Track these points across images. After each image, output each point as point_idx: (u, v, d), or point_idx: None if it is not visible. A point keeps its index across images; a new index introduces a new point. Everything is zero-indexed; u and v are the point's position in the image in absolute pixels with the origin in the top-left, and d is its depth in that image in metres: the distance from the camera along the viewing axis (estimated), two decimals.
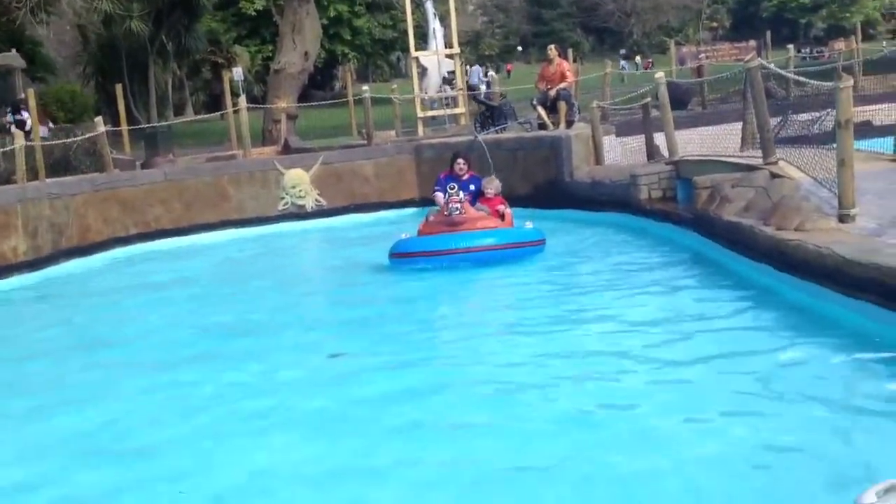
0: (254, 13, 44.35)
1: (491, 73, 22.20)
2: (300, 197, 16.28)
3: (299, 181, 16.31)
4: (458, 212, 10.33)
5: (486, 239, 10.18)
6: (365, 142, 18.29)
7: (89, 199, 14.34)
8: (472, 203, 10.80)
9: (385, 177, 16.61)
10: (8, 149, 14.28)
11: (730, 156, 10.94)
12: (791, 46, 25.65)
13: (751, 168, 9.64)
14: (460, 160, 11.27)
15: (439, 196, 10.92)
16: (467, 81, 20.80)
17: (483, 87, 24.83)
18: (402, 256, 10.39)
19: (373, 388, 6.16)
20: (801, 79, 9.64)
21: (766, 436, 4.75)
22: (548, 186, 14.47)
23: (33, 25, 27.07)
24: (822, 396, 5.20)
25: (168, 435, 5.61)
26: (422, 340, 7.50)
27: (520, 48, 73.75)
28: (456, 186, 10.47)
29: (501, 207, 11.01)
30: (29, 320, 10.38)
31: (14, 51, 25.11)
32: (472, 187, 10.99)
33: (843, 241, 6.68)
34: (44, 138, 17.14)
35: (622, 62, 37.12)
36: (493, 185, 11.23)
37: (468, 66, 24.39)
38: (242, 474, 4.87)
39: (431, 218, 10.83)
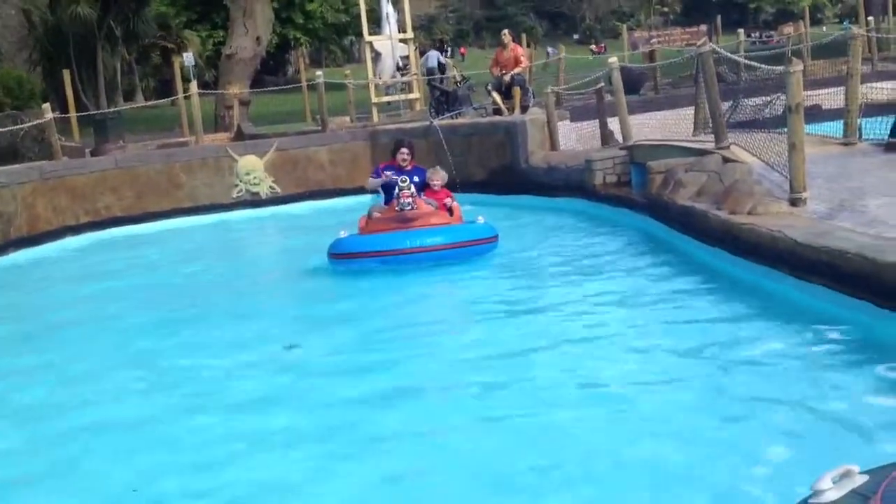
0: None
1: (446, 59, 22.01)
2: (254, 184, 16.13)
3: (253, 168, 16.15)
4: (410, 207, 9.52)
5: (437, 237, 9.40)
6: (319, 128, 18.15)
7: (38, 188, 14.06)
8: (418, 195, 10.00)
9: (340, 163, 16.51)
10: None
11: (683, 140, 11.06)
12: (741, 31, 25.93)
13: (703, 152, 9.76)
14: (404, 149, 10.25)
15: (372, 181, 10.28)
16: (424, 65, 20.67)
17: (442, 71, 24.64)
18: (344, 257, 9.58)
19: (327, 382, 6.12)
20: (753, 63, 9.77)
21: (718, 416, 4.84)
22: (503, 172, 14.50)
23: None
24: (774, 377, 5.29)
25: (108, 420, 5.62)
26: (381, 333, 7.30)
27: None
28: (407, 180, 9.65)
29: (448, 201, 10.20)
30: None
31: None
32: (416, 179, 10.01)
33: (795, 225, 6.79)
34: None
35: (549, 49, 36.27)
36: (438, 176, 10.30)
37: (420, 51, 24.24)
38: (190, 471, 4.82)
39: (376, 214, 9.93)
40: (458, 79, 18.67)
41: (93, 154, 17.57)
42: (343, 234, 9.71)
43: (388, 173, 10.02)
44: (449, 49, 30.01)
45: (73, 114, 20.67)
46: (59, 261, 12.94)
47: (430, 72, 20.04)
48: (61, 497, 4.68)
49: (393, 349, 6.77)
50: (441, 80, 18.65)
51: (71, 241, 14.11)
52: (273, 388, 6.11)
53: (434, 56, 20.77)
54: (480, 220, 9.96)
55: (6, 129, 16.59)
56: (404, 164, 10.11)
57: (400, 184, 9.57)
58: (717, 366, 5.67)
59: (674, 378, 5.53)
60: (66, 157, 15.94)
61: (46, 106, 16.50)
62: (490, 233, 9.92)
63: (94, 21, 28.45)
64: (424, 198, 9.93)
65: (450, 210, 10.03)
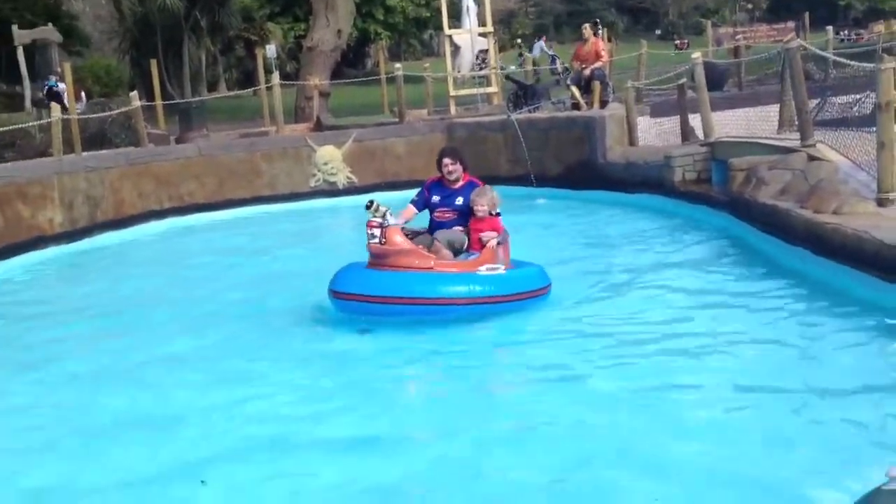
0: None
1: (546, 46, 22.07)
2: (332, 174, 16.32)
3: (331, 158, 16.34)
4: (374, 240, 7.07)
5: (408, 285, 6.94)
6: (397, 120, 18.27)
7: (124, 173, 14.46)
8: (461, 224, 7.56)
9: (417, 155, 16.58)
10: (45, 121, 14.43)
11: (767, 138, 10.81)
12: (830, 28, 25.23)
13: (788, 150, 9.53)
14: (446, 160, 7.70)
15: (407, 211, 7.74)
16: (531, 57, 20.55)
17: (549, 63, 24.46)
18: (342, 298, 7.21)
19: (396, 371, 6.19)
20: (842, 60, 9.51)
21: (802, 417, 4.77)
22: (580, 167, 14.38)
23: (69, 0, 27.30)
24: (859, 380, 5.18)
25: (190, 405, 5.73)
26: (458, 331, 7.01)
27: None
28: (374, 203, 7.08)
29: (488, 235, 7.37)
30: (63, 292, 10.50)
31: (51, 25, 25.36)
32: (458, 201, 7.62)
33: (882, 226, 6.60)
34: (79, 112, 17.29)
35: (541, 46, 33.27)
36: (484, 200, 7.48)
37: (521, 44, 24.18)
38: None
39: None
40: (560, 70, 18.44)
41: (177, 141, 18.04)
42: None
43: (435, 198, 7.69)
44: (600, 30, 29.55)
45: (158, 102, 21.21)
46: (141, 244, 13.31)
47: (534, 62, 19.92)
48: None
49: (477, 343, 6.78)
50: (552, 71, 18.39)
51: (154, 226, 14.47)
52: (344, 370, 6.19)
53: (538, 46, 20.69)
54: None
55: (95, 115, 17.11)
56: (453, 179, 7.70)
57: (369, 209, 7.11)
58: (799, 367, 5.55)
59: (759, 383, 5.41)
60: (151, 144, 16.38)
61: (134, 94, 16.99)
62: (531, 283, 7.46)
63: (181, 12, 29.14)
64: (454, 230, 7.53)
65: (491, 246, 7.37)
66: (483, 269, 7.17)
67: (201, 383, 6.18)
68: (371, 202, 7.11)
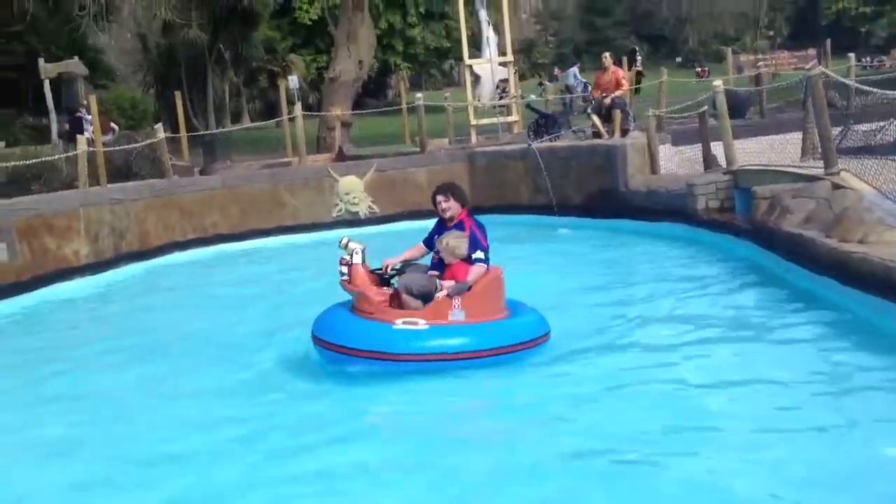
0: (309, 22, 44.84)
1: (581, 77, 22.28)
2: (354, 204, 16.40)
3: (353, 188, 16.43)
4: (344, 277, 6.84)
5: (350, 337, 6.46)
6: (418, 149, 18.37)
7: (149, 205, 14.60)
8: (438, 269, 7.03)
9: (438, 184, 16.62)
10: (71, 154, 14.61)
11: (790, 166, 10.76)
12: (852, 55, 25.12)
13: (812, 178, 9.48)
14: (438, 197, 7.38)
15: (416, 248, 7.47)
16: (563, 82, 20.74)
17: (580, 89, 24.59)
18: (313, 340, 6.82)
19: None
20: (865, 87, 9.47)
21: (832, 452, 4.68)
22: (602, 196, 14.36)
23: (95, 34, 27.72)
24: (892, 413, 5.10)
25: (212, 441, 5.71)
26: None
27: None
28: (346, 238, 6.98)
29: (443, 291, 6.70)
30: (89, 323, 10.59)
31: (77, 58, 25.73)
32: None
33: None
34: (105, 144, 17.49)
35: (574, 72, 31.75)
36: (441, 246, 6.99)
37: (557, 70, 24.44)
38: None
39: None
40: (591, 97, 18.28)
41: (201, 173, 18.20)
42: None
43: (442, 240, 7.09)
44: (639, 57, 29.64)
45: (183, 134, 21.43)
46: (166, 275, 13.38)
47: (568, 89, 20.03)
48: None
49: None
50: (582, 98, 18.34)
51: (178, 256, 14.57)
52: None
53: (571, 73, 20.84)
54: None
55: (121, 147, 17.30)
56: (448, 217, 7.31)
57: (341, 246, 6.90)
58: (826, 400, 5.48)
59: (787, 417, 5.34)
60: (176, 176, 16.53)
61: (159, 126, 17.18)
62: (522, 335, 6.76)
63: (204, 45, 29.54)
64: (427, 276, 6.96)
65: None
66: (398, 322, 6.43)
67: (221, 418, 6.16)
68: (343, 239, 6.91)
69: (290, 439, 5.62)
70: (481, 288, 6.80)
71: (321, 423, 5.90)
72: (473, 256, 6.90)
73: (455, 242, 6.90)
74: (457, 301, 6.64)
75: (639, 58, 29.05)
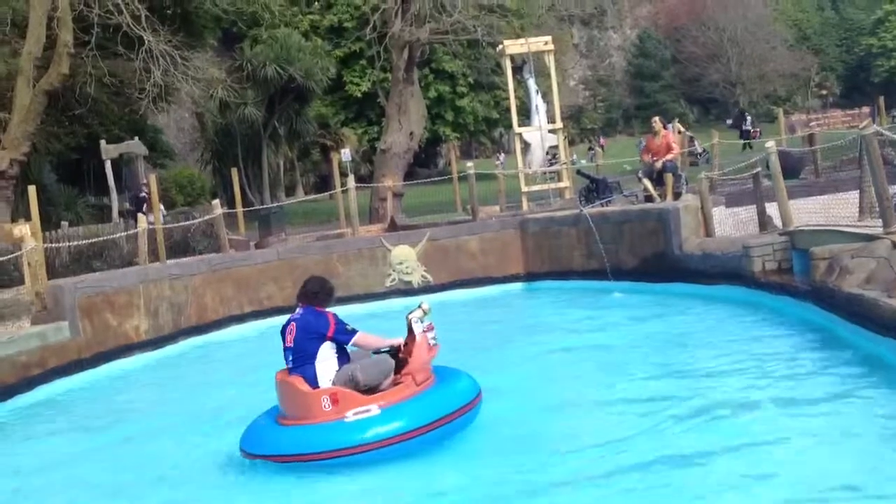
0: (360, 95, 45.91)
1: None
2: (407, 273, 16.50)
3: (406, 258, 16.55)
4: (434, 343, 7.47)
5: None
6: (470, 217, 18.48)
7: (207, 279, 14.85)
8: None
9: (490, 252, 16.69)
10: (132, 232, 14.98)
11: (848, 225, 10.58)
12: None
13: (870, 238, 9.29)
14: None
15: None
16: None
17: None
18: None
19: None
20: None
21: None
22: (656, 259, 14.24)
23: (154, 114, 28.66)
24: None
25: None
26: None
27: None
28: (426, 304, 7.58)
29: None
30: (146, 399, 10.71)
31: (136, 138, 26.59)
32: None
33: None
34: (161, 221, 17.94)
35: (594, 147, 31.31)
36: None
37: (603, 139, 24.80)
38: None
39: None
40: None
41: (257, 246, 18.51)
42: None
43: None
44: (749, 118, 29.70)
45: (239, 209, 21.88)
46: (223, 349, 13.52)
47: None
48: None
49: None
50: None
51: (235, 330, 14.74)
52: None
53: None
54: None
55: (179, 224, 17.72)
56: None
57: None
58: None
59: (857, 487, 5.14)
60: (232, 250, 16.84)
61: (216, 202, 17.58)
62: (442, 409, 6.78)
63: (260, 122, 30.34)
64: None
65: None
66: (350, 415, 6.51)
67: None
68: (423, 304, 7.37)
69: None
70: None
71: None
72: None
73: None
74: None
75: (749, 117, 29.17)
